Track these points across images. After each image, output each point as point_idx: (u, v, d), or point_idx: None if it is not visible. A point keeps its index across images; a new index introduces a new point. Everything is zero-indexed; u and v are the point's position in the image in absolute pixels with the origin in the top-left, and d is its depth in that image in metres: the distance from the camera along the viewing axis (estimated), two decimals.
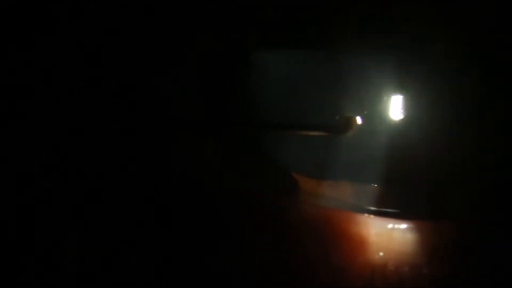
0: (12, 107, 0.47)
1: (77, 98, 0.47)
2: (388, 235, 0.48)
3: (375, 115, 0.53)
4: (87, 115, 0.47)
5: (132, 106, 0.49)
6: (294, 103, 0.54)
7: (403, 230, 0.48)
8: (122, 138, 0.48)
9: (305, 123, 0.53)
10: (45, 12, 0.46)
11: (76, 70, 0.47)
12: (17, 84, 0.47)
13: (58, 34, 0.47)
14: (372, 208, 0.51)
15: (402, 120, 0.52)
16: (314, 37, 0.52)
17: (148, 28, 0.48)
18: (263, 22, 0.51)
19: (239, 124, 0.53)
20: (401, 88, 0.51)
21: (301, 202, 0.51)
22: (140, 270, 0.47)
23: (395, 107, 0.52)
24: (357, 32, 0.51)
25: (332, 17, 0.51)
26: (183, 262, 0.47)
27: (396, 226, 0.48)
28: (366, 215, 0.49)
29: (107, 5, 0.47)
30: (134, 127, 0.48)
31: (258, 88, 0.54)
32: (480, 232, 0.46)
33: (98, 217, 0.47)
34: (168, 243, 0.47)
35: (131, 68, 0.49)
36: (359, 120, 0.53)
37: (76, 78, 0.47)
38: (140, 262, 0.47)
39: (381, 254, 0.47)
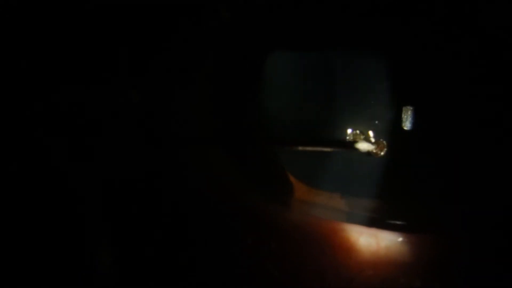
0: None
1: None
2: (396, 248, 0.47)
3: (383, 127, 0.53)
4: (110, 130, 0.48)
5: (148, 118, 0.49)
6: (304, 113, 0.54)
7: (410, 243, 0.47)
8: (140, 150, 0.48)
9: (318, 139, 0.54)
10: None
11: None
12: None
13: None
14: (379, 221, 0.50)
15: (407, 131, 0.52)
16: (325, 44, 0.53)
17: (160, 42, 0.48)
18: (275, 26, 0.52)
19: (249, 137, 0.53)
20: (409, 99, 0.51)
21: (297, 210, 0.51)
22: (147, 271, 0.47)
23: (403, 119, 0.52)
24: (370, 41, 0.51)
25: (344, 24, 0.51)
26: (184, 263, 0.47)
27: (404, 239, 0.47)
28: (374, 228, 0.49)
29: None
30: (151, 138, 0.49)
31: (268, 97, 0.54)
32: (472, 248, 0.46)
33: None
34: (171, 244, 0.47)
35: (146, 82, 0.49)
36: (371, 134, 0.54)
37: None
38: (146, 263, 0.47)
39: (391, 267, 0.47)
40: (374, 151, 0.53)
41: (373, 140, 0.53)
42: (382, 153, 0.53)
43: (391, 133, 0.52)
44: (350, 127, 0.54)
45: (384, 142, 0.53)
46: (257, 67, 0.53)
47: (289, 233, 0.48)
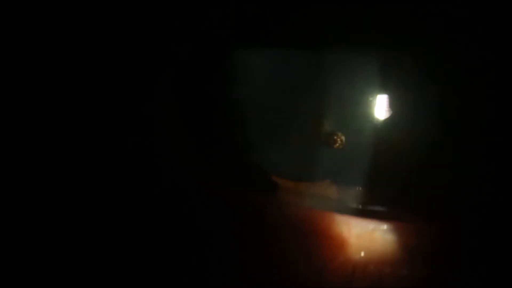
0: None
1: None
2: (369, 236, 0.47)
3: (359, 115, 0.53)
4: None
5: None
6: (276, 104, 0.53)
7: (385, 230, 0.48)
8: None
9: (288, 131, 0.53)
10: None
11: None
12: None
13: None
14: (354, 208, 0.50)
15: (386, 119, 0.52)
16: (296, 35, 0.52)
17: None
18: (244, 19, 0.50)
19: (220, 127, 0.52)
20: (385, 86, 0.52)
21: (282, 201, 0.49)
22: (129, 270, 0.46)
23: (380, 106, 0.52)
24: (340, 29, 0.51)
25: (315, 14, 0.50)
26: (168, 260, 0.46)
27: (378, 227, 0.48)
28: (347, 215, 0.48)
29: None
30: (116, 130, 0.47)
31: (238, 90, 0.52)
32: (460, 234, 0.47)
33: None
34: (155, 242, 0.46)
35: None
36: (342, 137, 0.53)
37: None
38: (129, 262, 0.46)
39: (362, 254, 0.47)
40: (330, 142, 0.53)
41: (326, 129, 0.53)
42: (338, 145, 0.53)
43: (370, 123, 0.52)
44: (316, 119, 0.54)
45: (340, 134, 0.53)
46: (228, 57, 0.52)
47: (272, 224, 0.48)
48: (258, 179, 0.51)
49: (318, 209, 0.48)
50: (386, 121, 0.52)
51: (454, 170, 0.50)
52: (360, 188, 0.51)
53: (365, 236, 0.48)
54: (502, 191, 0.47)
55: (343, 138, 0.53)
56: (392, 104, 0.52)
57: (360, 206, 0.50)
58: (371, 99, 0.52)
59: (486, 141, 0.49)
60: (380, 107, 0.52)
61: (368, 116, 0.52)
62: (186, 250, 0.46)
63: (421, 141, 0.51)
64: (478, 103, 0.49)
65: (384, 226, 0.48)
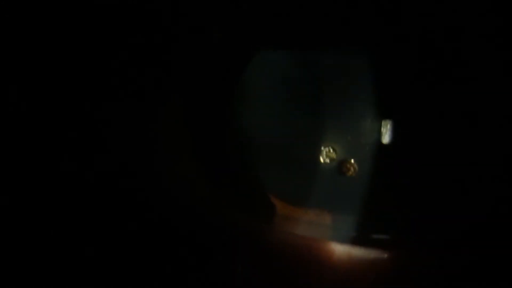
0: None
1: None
2: (370, 265, 0.46)
3: (363, 142, 0.53)
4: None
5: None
6: (281, 127, 0.54)
7: (386, 259, 0.46)
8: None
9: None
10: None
11: None
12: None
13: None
14: (355, 236, 0.50)
15: (390, 144, 0.52)
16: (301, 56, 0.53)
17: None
18: (261, 23, 0.51)
19: (224, 146, 0.53)
20: (388, 111, 0.52)
21: (282, 229, 0.50)
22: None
23: (384, 132, 0.52)
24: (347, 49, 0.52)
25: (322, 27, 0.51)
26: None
27: (379, 255, 0.46)
28: (348, 244, 0.47)
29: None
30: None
31: (244, 112, 0.53)
32: (461, 262, 0.46)
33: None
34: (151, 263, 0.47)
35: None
36: (336, 151, 0.53)
37: None
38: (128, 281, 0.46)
39: (363, 283, 0.46)
40: (343, 170, 0.53)
41: (334, 156, 0.53)
42: (351, 173, 0.53)
43: (370, 148, 0.52)
44: (323, 144, 0.54)
45: (352, 161, 0.53)
46: (236, 85, 0.53)
47: (272, 252, 0.48)
48: (260, 204, 0.51)
49: (319, 238, 0.48)
50: (390, 147, 0.52)
51: (457, 197, 0.49)
52: (362, 216, 0.50)
53: (366, 265, 0.47)
54: (504, 215, 0.46)
55: (356, 166, 0.53)
56: (396, 130, 0.52)
57: (361, 235, 0.50)
58: (375, 124, 0.52)
59: (493, 165, 0.48)
60: (384, 133, 0.52)
61: (371, 142, 0.52)
62: (185, 271, 0.46)
63: (424, 168, 0.50)
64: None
65: (386, 255, 0.47)
